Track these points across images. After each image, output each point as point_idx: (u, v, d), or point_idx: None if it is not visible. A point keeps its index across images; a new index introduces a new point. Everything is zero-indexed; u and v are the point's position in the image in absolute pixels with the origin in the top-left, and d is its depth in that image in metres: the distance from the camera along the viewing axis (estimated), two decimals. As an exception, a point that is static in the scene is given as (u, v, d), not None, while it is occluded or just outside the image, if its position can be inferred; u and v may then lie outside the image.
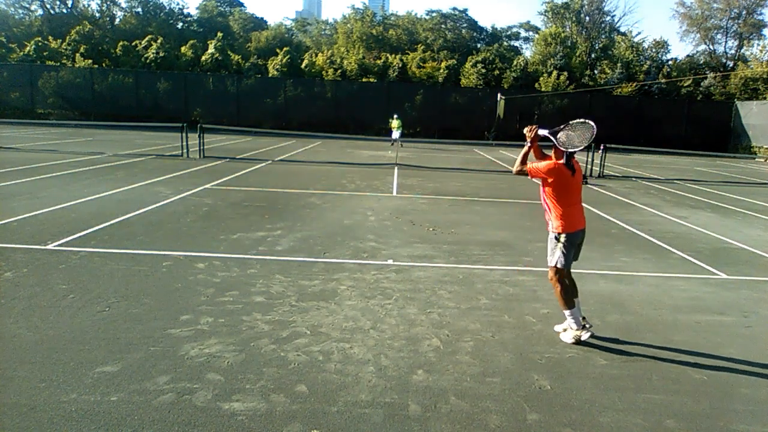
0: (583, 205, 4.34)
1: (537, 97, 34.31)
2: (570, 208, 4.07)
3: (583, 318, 4.21)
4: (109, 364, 3.51)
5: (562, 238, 4.07)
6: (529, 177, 4.19)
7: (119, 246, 6.26)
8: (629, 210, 10.55)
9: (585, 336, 4.13)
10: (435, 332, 4.29)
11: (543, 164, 4.06)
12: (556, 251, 4.12)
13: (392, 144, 23.66)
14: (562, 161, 4.03)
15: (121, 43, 36.88)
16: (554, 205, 4.09)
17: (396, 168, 15.97)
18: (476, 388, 3.47)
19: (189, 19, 48.67)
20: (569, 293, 4.14)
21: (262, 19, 53.45)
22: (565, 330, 4.29)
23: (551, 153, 4.16)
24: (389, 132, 24.54)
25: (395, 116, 23.85)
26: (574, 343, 4.15)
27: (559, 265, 4.11)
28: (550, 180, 4.04)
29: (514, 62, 37.57)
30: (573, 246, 4.11)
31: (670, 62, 40.43)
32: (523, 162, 4.15)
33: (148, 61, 35.81)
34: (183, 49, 37.61)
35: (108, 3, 46.48)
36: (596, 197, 11.92)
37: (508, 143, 29.12)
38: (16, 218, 7.36)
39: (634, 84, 35.81)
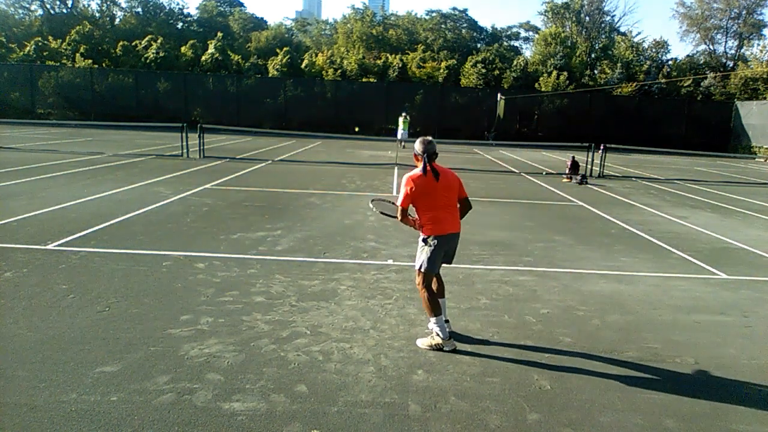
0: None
1: (537, 97, 34.33)
2: (437, 212, 3.96)
3: (447, 321, 4.12)
4: (109, 364, 3.51)
5: (430, 240, 3.96)
6: (403, 213, 4.02)
7: (119, 246, 6.26)
8: (629, 210, 10.54)
9: (447, 348, 3.94)
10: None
11: (401, 197, 4.00)
12: (422, 255, 4.01)
13: (400, 144, 23.37)
14: (419, 170, 4.01)
15: (121, 43, 36.87)
16: (419, 211, 4.02)
17: (396, 168, 15.96)
18: (476, 388, 3.48)
19: (189, 19, 48.60)
20: (436, 300, 4.01)
21: (262, 19, 53.39)
22: (427, 333, 4.14)
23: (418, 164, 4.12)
24: (394, 131, 24.26)
25: (403, 114, 23.73)
26: (431, 350, 3.95)
27: (423, 269, 3.99)
28: (414, 199, 3.98)
29: (514, 62, 37.56)
30: (441, 249, 3.99)
31: (670, 62, 40.44)
32: (403, 216, 4.04)
33: (148, 61, 35.80)
34: (183, 49, 37.59)
35: (108, 3, 46.48)
36: (596, 197, 11.89)
37: (508, 143, 29.15)
38: (16, 218, 7.36)
39: (634, 84, 35.81)
